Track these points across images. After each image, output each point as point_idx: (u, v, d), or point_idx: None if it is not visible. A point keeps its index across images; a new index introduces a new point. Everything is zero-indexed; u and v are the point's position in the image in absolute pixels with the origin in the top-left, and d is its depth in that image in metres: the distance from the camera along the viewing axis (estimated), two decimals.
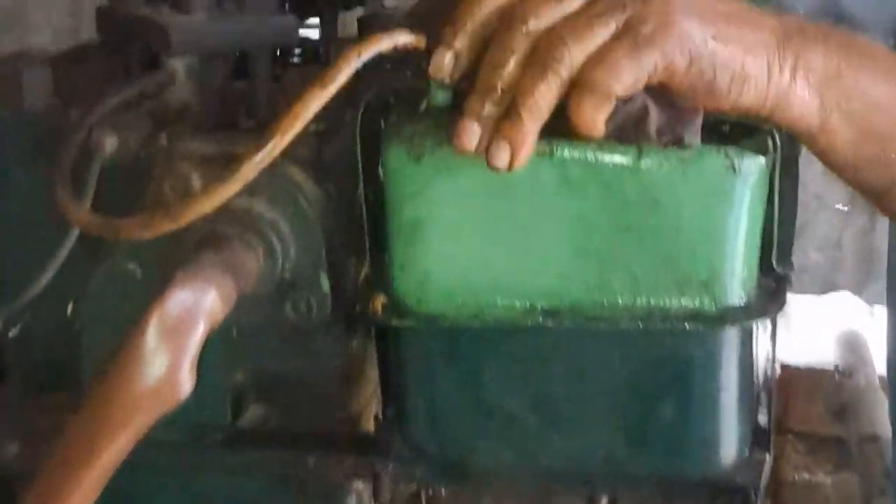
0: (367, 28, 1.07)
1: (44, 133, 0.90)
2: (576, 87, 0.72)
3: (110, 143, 0.84)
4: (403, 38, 0.75)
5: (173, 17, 0.91)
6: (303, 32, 1.17)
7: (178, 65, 0.91)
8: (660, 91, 0.74)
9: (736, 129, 0.77)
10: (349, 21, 1.13)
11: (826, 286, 2.41)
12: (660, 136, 0.74)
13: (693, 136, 0.74)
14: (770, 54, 0.75)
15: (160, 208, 0.73)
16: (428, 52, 0.76)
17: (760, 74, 0.74)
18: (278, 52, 1.02)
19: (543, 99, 0.72)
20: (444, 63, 0.75)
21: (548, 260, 0.76)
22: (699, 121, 0.75)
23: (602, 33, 0.72)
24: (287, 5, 1.04)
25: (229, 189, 0.72)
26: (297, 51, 1.04)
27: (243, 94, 0.94)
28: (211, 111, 0.92)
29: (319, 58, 1.06)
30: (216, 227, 0.80)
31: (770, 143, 0.76)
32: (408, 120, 0.78)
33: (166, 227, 0.74)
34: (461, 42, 0.75)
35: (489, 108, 0.73)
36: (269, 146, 0.72)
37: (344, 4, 1.08)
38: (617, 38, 0.72)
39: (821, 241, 2.39)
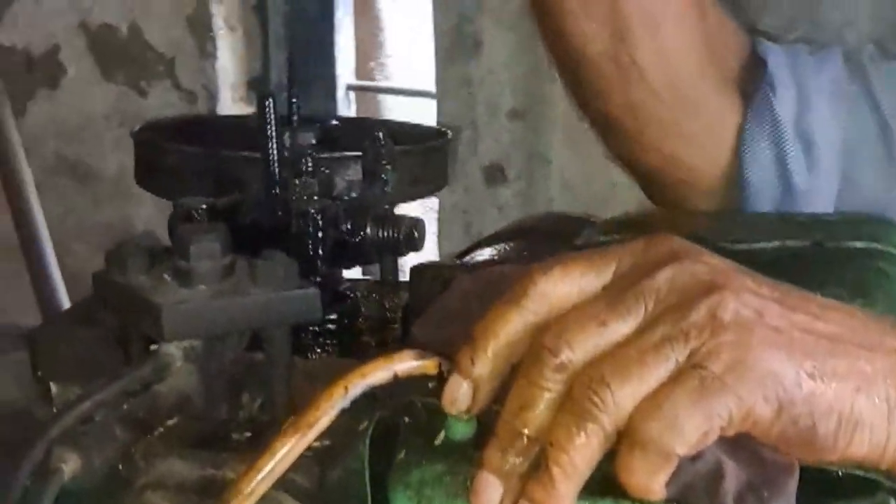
0: (418, 281, 0.91)
1: (13, 433, 0.76)
2: (625, 439, 0.55)
3: (71, 465, 0.69)
4: (406, 365, 0.59)
5: (171, 293, 0.76)
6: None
7: (175, 349, 0.76)
8: (739, 440, 0.56)
9: (847, 479, 0.58)
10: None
11: None
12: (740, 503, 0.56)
13: (785, 502, 0.56)
14: (891, 389, 0.56)
15: None
16: (442, 377, 0.60)
17: (878, 417, 0.56)
18: None
19: (580, 455, 0.55)
20: (459, 395, 0.59)
21: None
22: (794, 481, 0.56)
23: (657, 372, 0.54)
24: (322, 255, 0.89)
25: None
26: (333, 315, 0.88)
27: (258, 369, 0.79)
28: (215, 400, 0.77)
29: (356, 320, 0.90)
30: None
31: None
32: (418, 459, 0.61)
33: None
34: (482, 368, 0.58)
35: (512, 461, 0.56)
36: None
37: (394, 251, 0.92)
38: (677, 378, 0.54)
39: None
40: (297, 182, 0.91)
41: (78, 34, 2.52)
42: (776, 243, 0.87)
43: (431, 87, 2.74)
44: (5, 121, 2.24)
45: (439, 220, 2.65)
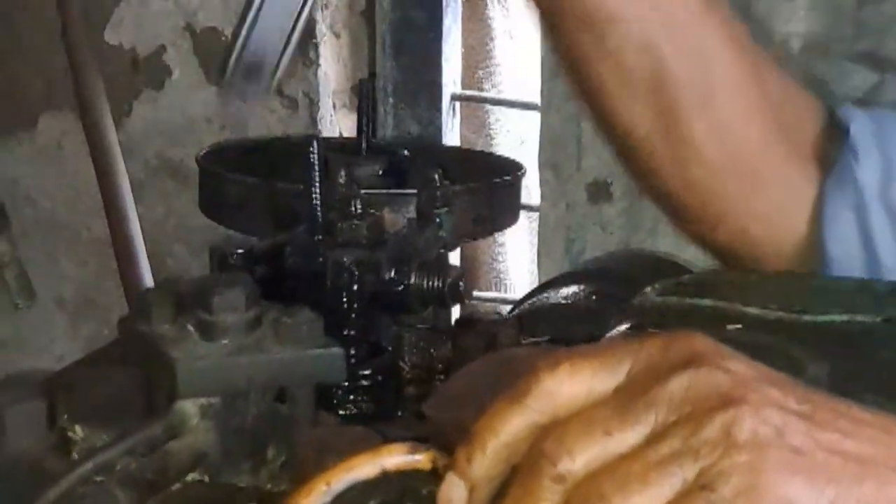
0: (463, 335, 0.87)
1: (26, 485, 0.73)
2: None
3: None
4: (396, 460, 0.55)
5: (190, 346, 0.74)
6: None
7: (191, 405, 0.73)
8: None
9: None
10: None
11: None
12: None
13: None
14: None
15: None
16: (437, 473, 0.56)
17: None
18: None
19: None
20: (453, 497, 0.54)
21: None
22: None
23: (661, 490, 0.50)
24: (359, 307, 0.85)
25: None
26: (367, 371, 0.84)
27: (283, 421, 0.76)
28: (234, 458, 0.74)
29: (393, 374, 0.86)
30: None
31: None
32: None
33: None
34: (479, 468, 0.54)
35: None
36: None
37: (438, 302, 0.88)
38: (683, 499, 0.50)
39: None
40: (341, 226, 0.88)
41: (183, 36, 2.52)
42: (845, 317, 0.82)
43: (539, 99, 2.69)
44: (105, 124, 2.25)
45: (540, 236, 2.59)
